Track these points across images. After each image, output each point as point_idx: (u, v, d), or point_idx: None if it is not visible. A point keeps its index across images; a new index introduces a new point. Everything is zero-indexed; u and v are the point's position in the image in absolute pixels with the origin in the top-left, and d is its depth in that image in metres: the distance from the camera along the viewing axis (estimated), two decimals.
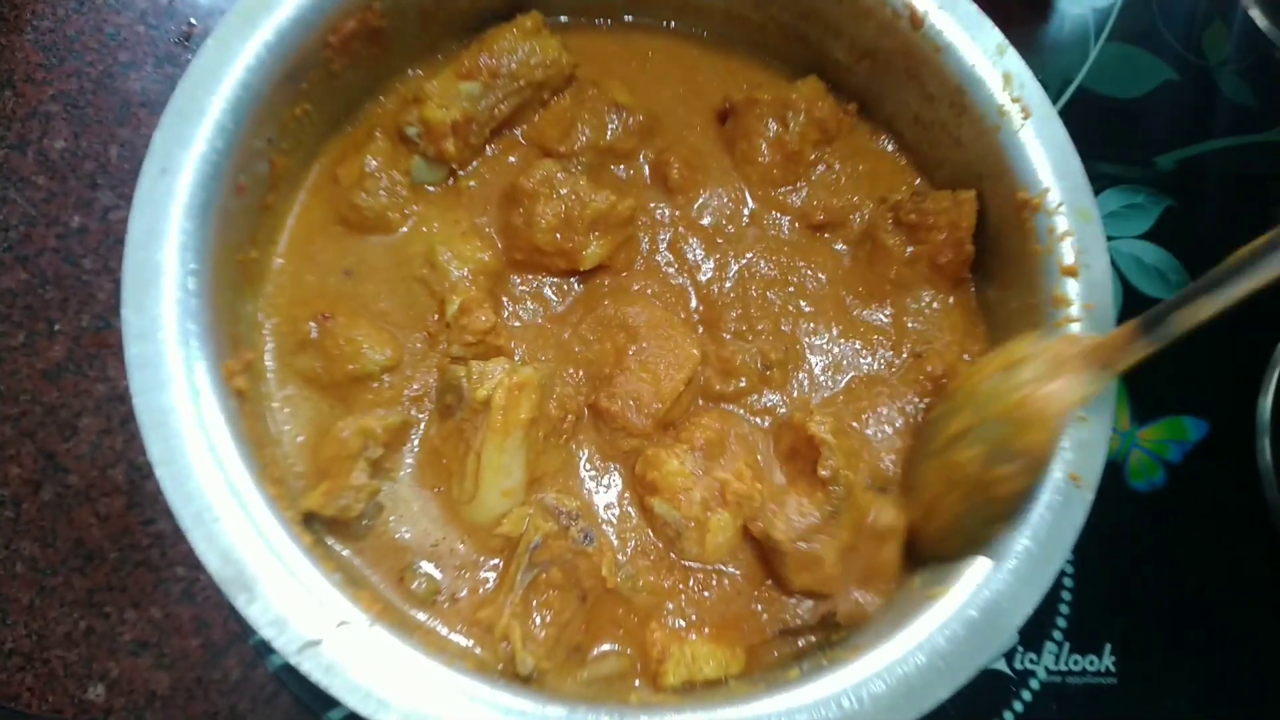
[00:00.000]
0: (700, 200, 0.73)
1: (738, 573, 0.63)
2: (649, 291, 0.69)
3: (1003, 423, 0.56)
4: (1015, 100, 0.67)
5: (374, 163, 0.66)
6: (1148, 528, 0.84)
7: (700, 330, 0.69)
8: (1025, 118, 0.67)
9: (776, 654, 0.62)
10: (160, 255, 0.53)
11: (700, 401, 0.67)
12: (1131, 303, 0.89)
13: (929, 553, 0.62)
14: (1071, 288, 0.64)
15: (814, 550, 0.59)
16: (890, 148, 0.77)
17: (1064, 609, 0.80)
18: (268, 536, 0.51)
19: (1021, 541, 0.57)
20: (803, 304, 0.71)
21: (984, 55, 0.68)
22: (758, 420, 0.67)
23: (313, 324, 0.62)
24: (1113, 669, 0.80)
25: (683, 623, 0.61)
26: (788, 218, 0.73)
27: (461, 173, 0.70)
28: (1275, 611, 0.83)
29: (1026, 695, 0.78)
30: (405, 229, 0.67)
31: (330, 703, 0.49)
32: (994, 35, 0.68)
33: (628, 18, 0.77)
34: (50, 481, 0.71)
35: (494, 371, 0.60)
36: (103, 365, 0.74)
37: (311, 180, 0.68)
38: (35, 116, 0.79)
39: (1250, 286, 0.50)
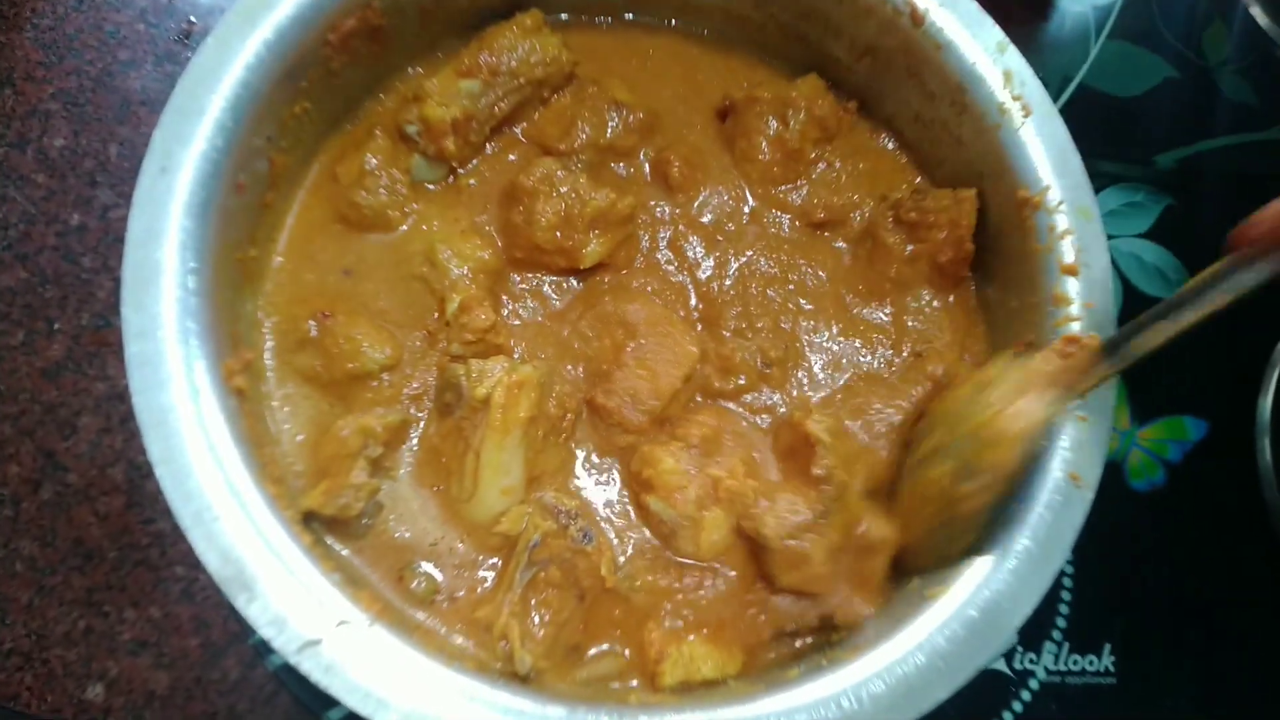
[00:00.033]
0: (700, 198, 0.72)
1: (734, 573, 0.63)
2: (649, 289, 0.69)
3: (971, 441, 0.57)
4: (1016, 98, 0.67)
5: (374, 161, 0.66)
6: (1147, 527, 0.84)
7: (700, 328, 0.69)
8: (1026, 116, 0.67)
9: (774, 655, 0.61)
10: (160, 253, 0.53)
11: (699, 399, 0.67)
12: (1131, 301, 0.89)
13: (907, 565, 0.62)
14: (1071, 286, 0.64)
15: (802, 548, 0.59)
16: (890, 146, 0.77)
17: (1063, 609, 0.80)
18: (267, 536, 0.51)
19: (1021, 541, 0.57)
20: (803, 302, 0.71)
21: (984, 53, 0.68)
22: (756, 418, 0.67)
23: (312, 322, 0.62)
24: (1112, 669, 0.80)
25: (680, 623, 0.61)
26: (788, 216, 0.73)
27: (461, 171, 0.69)
28: (1275, 611, 0.83)
29: (1026, 695, 0.78)
30: (405, 227, 0.67)
31: (330, 702, 0.49)
32: (994, 33, 0.68)
33: (628, 16, 0.77)
34: (49, 480, 0.71)
35: (493, 370, 0.60)
36: (102, 364, 0.74)
37: (311, 178, 0.67)
38: (35, 114, 0.79)
39: (1202, 314, 0.53)
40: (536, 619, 0.57)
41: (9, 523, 0.70)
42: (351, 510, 0.57)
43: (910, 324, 0.71)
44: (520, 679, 0.55)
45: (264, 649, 0.69)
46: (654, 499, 0.61)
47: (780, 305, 0.70)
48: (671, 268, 0.70)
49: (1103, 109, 0.95)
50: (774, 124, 0.72)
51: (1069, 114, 0.67)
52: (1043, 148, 0.66)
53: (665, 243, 0.71)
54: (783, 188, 0.74)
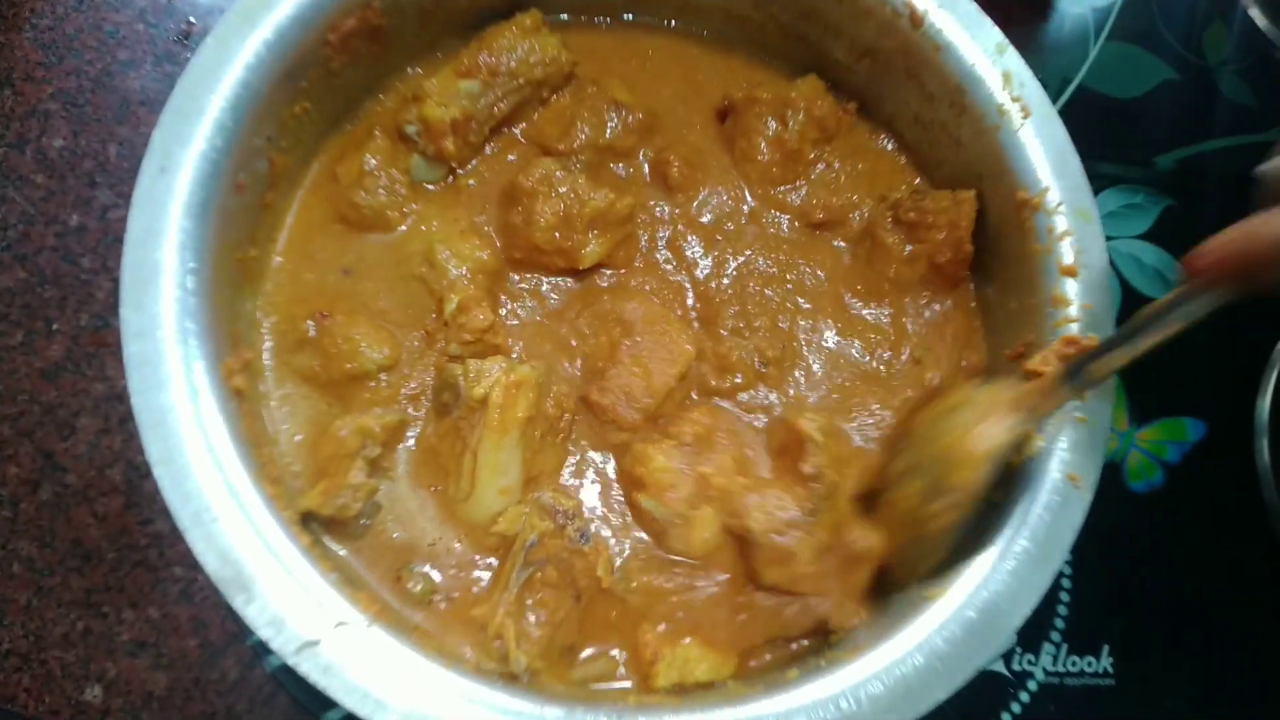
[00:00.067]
0: (700, 198, 0.72)
1: (727, 577, 0.63)
2: (647, 288, 0.69)
3: (938, 462, 0.58)
4: (1015, 100, 0.67)
5: (373, 161, 0.66)
6: (1146, 528, 0.84)
7: (697, 326, 0.69)
8: (1025, 117, 0.67)
9: (770, 657, 0.61)
10: (159, 253, 0.53)
11: (695, 397, 0.67)
12: (1130, 303, 0.89)
13: (884, 581, 0.62)
14: (1070, 288, 0.64)
15: (788, 544, 0.60)
16: (890, 147, 0.77)
17: (1062, 610, 0.80)
18: (266, 536, 0.51)
19: (1020, 542, 0.57)
20: (801, 301, 0.71)
21: (984, 54, 0.68)
22: (751, 418, 0.67)
23: (310, 322, 0.62)
24: (1111, 670, 0.80)
25: (675, 626, 0.61)
26: (787, 216, 0.73)
27: (461, 171, 0.69)
28: (1274, 612, 0.83)
29: (1024, 696, 0.78)
30: (404, 227, 0.67)
31: (328, 703, 0.49)
32: (994, 34, 0.68)
33: (627, 16, 0.77)
34: (48, 481, 0.71)
35: (491, 370, 0.60)
36: (101, 364, 0.74)
37: (311, 179, 0.67)
38: (34, 115, 0.79)
39: (1156, 340, 0.55)
40: (532, 619, 0.57)
41: (7, 523, 0.70)
42: (350, 510, 0.57)
43: (909, 327, 0.71)
44: (515, 679, 0.55)
45: (262, 650, 0.69)
46: (645, 497, 0.62)
47: (778, 304, 0.70)
48: (670, 267, 0.71)
49: (1102, 110, 0.95)
50: (773, 124, 0.72)
51: (1068, 115, 0.67)
52: (1042, 149, 0.66)
53: (664, 242, 0.71)
54: (782, 188, 0.74)
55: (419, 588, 0.59)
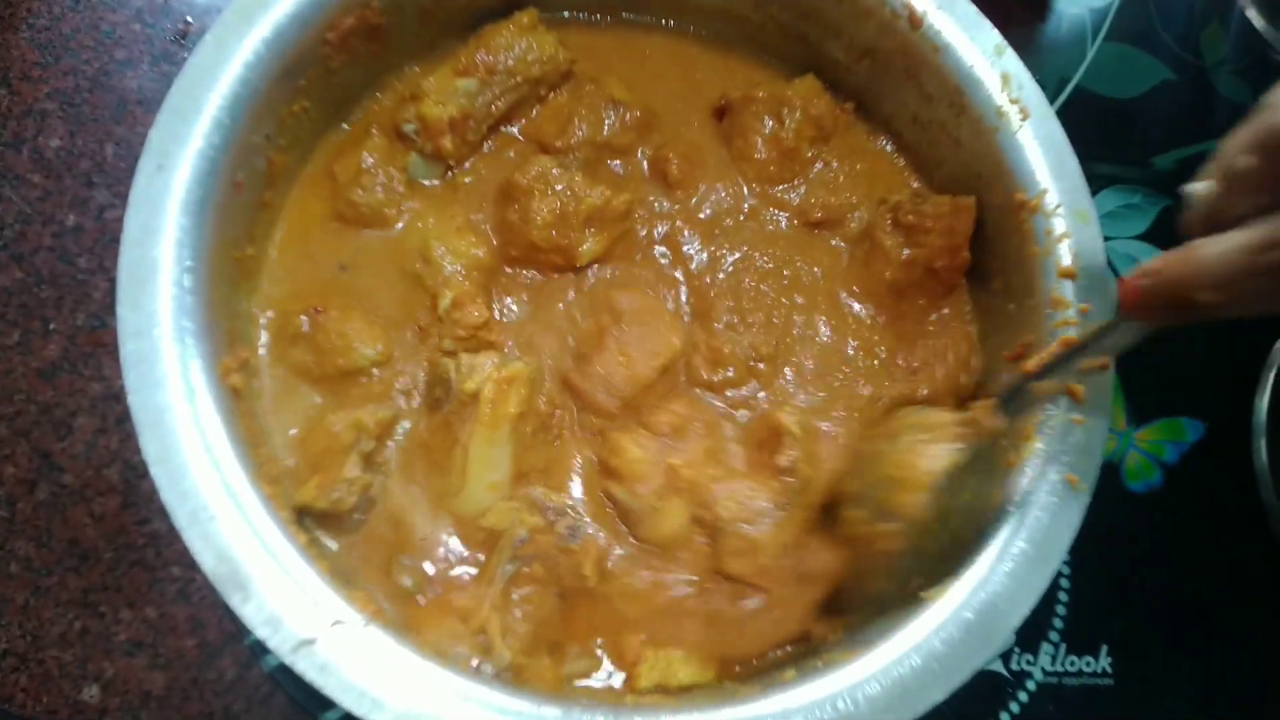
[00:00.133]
0: (699, 195, 0.72)
1: (698, 577, 0.62)
2: (642, 280, 0.69)
3: (883, 485, 0.59)
4: (1014, 101, 0.67)
5: (370, 159, 0.66)
6: (1144, 529, 0.84)
7: (689, 321, 0.69)
8: (1023, 118, 0.67)
9: (755, 662, 0.62)
10: (156, 252, 0.53)
11: (688, 386, 0.67)
12: None
13: (834, 603, 0.63)
14: (1069, 290, 0.64)
15: (754, 535, 0.60)
16: (888, 147, 0.77)
17: (1061, 610, 0.80)
18: (263, 535, 0.51)
19: (1018, 543, 0.57)
20: (797, 298, 0.71)
21: (982, 56, 0.68)
22: (737, 413, 0.67)
23: (304, 317, 0.62)
24: (1109, 670, 0.80)
25: (653, 633, 0.61)
26: (785, 214, 0.73)
27: (458, 169, 0.69)
28: (1273, 612, 0.83)
29: (1023, 696, 0.78)
30: (401, 224, 0.67)
31: (325, 703, 0.49)
32: (992, 36, 0.68)
33: (626, 15, 0.77)
34: (45, 481, 0.71)
35: (483, 365, 0.60)
36: (98, 364, 0.74)
37: (308, 177, 0.67)
38: (31, 114, 0.79)
39: (1090, 365, 0.58)
40: (518, 614, 0.57)
41: (4, 523, 0.70)
42: (344, 504, 0.57)
43: (904, 332, 0.71)
44: (499, 674, 0.55)
45: (260, 649, 0.69)
46: (617, 486, 0.62)
47: (774, 300, 0.70)
48: (666, 261, 0.71)
49: (1100, 111, 0.95)
50: (770, 123, 0.72)
51: (1066, 116, 0.67)
52: (1040, 150, 0.66)
53: (661, 237, 0.71)
54: (780, 187, 0.74)
55: (409, 582, 0.59)
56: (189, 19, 0.84)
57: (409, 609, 0.58)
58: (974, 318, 0.72)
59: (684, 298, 0.70)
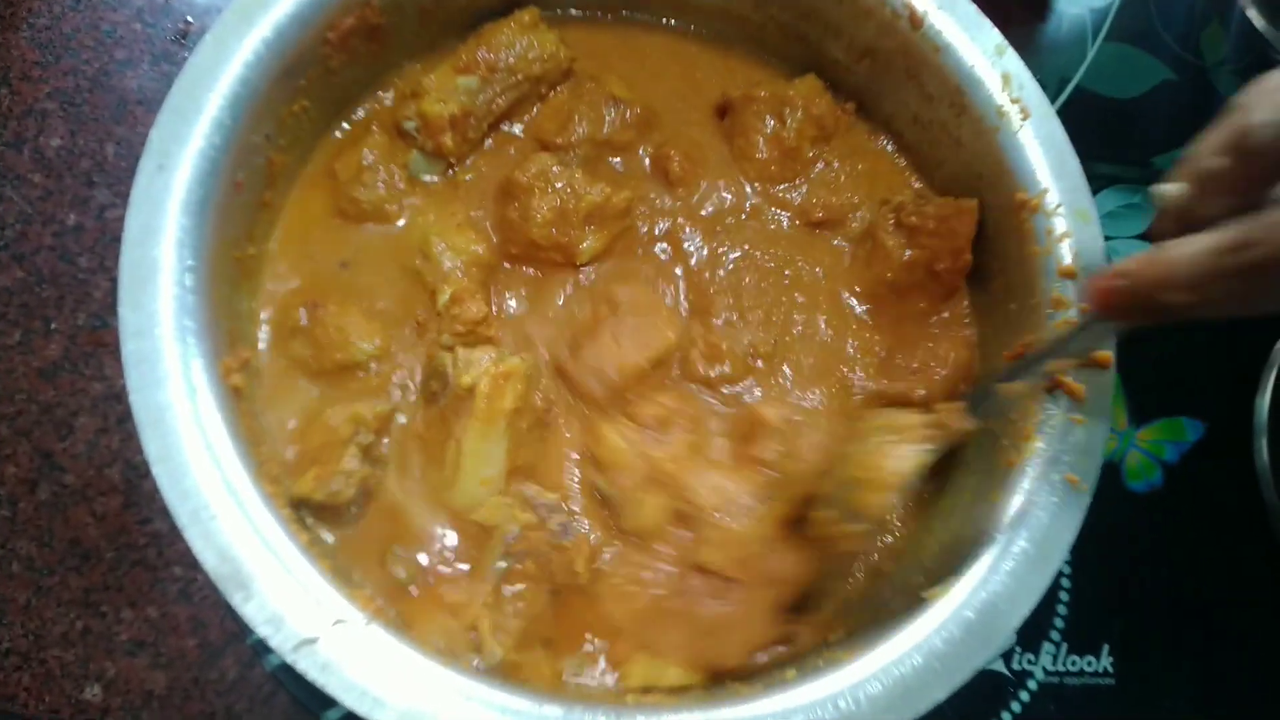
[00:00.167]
0: (700, 193, 0.73)
1: (676, 570, 0.62)
2: (642, 275, 0.70)
3: (850, 486, 0.59)
4: (1014, 101, 0.67)
5: (371, 156, 0.66)
6: (1145, 528, 0.84)
7: (687, 316, 0.69)
8: (1024, 118, 0.67)
9: (740, 671, 0.61)
10: (157, 251, 0.53)
11: (682, 380, 0.67)
12: None
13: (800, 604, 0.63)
14: (1070, 289, 0.64)
15: (731, 526, 0.60)
16: (889, 147, 0.77)
17: (1062, 610, 0.80)
18: (264, 534, 0.51)
19: (1019, 543, 0.57)
20: (797, 296, 0.71)
21: (983, 56, 0.68)
22: (729, 409, 0.67)
23: (303, 310, 0.63)
24: (1111, 669, 0.80)
25: (639, 634, 0.60)
26: (787, 214, 0.73)
27: (459, 166, 0.69)
28: (1274, 612, 0.83)
29: (1024, 696, 0.78)
30: (402, 221, 0.67)
31: (328, 702, 0.49)
32: (993, 36, 0.68)
33: (626, 14, 0.77)
34: (46, 481, 0.71)
35: (480, 359, 0.60)
36: (99, 364, 0.74)
37: (309, 176, 0.67)
38: (31, 114, 0.79)
39: (1058, 368, 0.59)
40: (510, 610, 0.57)
41: (6, 523, 0.70)
42: (341, 497, 0.57)
43: (904, 334, 0.71)
44: (490, 671, 0.55)
45: (262, 649, 0.69)
46: (599, 476, 0.62)
47: (774, 298, 0.70)
48: (666, 257, 0.71)
49: (1100, 111, 0.95)
50: (771, 123, 0.72)
51: (1067, 116, 0.67)
52: (1041, 150, 0.66)
53: (662, 234, 0.71)
54: (781, 186, 0.74)
55: (403, 572, 0.59)
56: (189, 19, 0.84)
57: (402, 601, 0.58)
58: (974, 320, 0.72)
59: (683, 293, 0.70)
